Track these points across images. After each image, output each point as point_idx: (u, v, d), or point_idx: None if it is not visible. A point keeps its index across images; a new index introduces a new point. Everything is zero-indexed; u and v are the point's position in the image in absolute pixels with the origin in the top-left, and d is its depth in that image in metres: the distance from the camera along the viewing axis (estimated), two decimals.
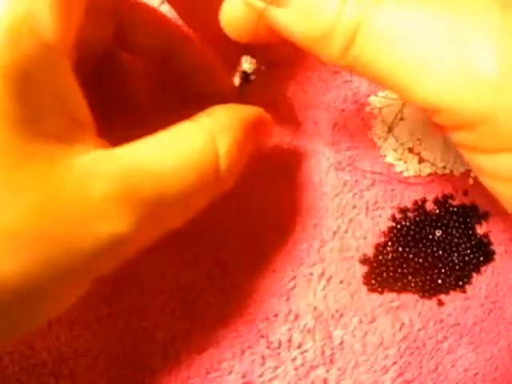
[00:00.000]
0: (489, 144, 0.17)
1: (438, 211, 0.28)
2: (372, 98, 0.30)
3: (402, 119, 0.29)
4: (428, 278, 0.27)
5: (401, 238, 0.27)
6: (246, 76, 0.22)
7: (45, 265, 0.14)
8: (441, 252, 0.27)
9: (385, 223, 0.27)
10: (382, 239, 0.27)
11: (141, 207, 0.16)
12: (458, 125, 0.17)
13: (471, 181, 0.29)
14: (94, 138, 0.17)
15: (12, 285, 0.14)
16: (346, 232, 0.27)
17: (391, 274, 0.26)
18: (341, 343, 0.26)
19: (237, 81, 0.22)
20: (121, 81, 0.24)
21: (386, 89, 0.26)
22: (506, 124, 0.16)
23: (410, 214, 0.28)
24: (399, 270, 0.27)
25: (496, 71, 0.16)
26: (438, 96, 0.16)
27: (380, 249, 0.27)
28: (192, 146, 0.18)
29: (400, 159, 0.29)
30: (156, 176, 0.16)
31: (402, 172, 0.28)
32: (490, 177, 0.18)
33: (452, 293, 0.27)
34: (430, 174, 0.29)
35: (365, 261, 0.27)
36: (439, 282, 0.27)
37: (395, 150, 0.29)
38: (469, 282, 0.27)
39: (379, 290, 0.26)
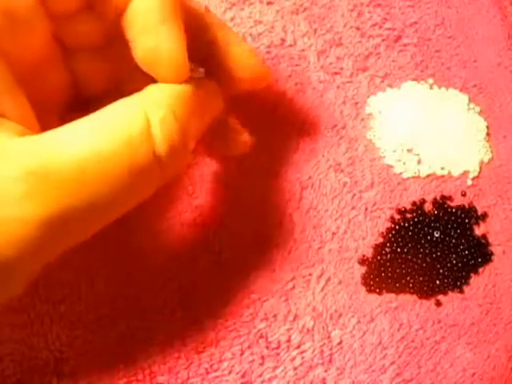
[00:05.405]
0: None
1: (436, 212, 0.28)
2: (371, 99, 0.30)
3: (401, 120, 0.29)
4: (426, 278, 0.27)
5: (399, 239, 0.27)
6: None
7: None
8: (439, 253, 0.27)
9: (383, 224, 0.28)
10: (381, 240, 0.27)
11: (61, 190, 0.15)
12: None
13: (469, 182, 0.29)
14: (20, 128, 0.16)
15: None
16: (345, 233, 0.27)
17: (390, 274, 0.27)
18: (339, 343, 0.26)
19: None
20: None
21: None
22: None
23: (408, 215, 0.28)
24: (398, 271, 0.27)
25: None
26: None
27: (379, 250, 0.27)
28: (118, 119, 0.16)
29: (399, 160, 0.29)
30: (77, 156, 0.15)
31: (400, 173, 0.29)
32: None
33: (450, 293, 0.27)
34: (428, 175, 0.29)
35: (363, 261, 0.27)
36: (437, 282, 0.27)
37: (394, 151, 0.29)
38: (467, 283, 0.27)
39: (378, 290, 0.26)
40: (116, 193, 0.16)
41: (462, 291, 0.27)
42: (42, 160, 0.15)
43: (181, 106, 0.17)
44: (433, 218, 0.28)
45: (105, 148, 0.15)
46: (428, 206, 0.28)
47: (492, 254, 0.28)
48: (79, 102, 0.22)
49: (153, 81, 0.19)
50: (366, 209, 0.28)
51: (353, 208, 0.28)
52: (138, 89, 0.20)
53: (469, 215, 0.28)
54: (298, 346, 0.25)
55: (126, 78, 0.20)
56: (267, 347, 0.25)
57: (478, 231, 0.28)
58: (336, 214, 0.27)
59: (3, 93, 0.16)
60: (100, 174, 0.15)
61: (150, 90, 0.18)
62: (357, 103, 0.30)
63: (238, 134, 0.24)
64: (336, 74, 0.30)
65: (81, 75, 0.22)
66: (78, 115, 0.17)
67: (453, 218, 0.28)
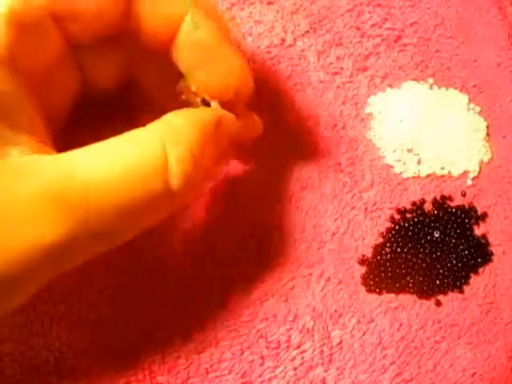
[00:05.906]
0: None
1: (436, 212, 0.28)
2: (371, 99, 0.30)
3: (401, 120, 0.29)
4: (426, 278, 0.27)
5: (399, 239, 0.27)
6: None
7: None
8: (439, 253, 0.27)
9: (383, 224, 0.28)
10: (381, 240, 0.27)
11: (71, 215, 0.15)
12: None
13: (469, 182, 0.29)
14: (32, 142, 0.16)
15: None
16: (345, 233, 0.27)
17: (389, 274, 0.27)
18: (339, 343, 0.26)
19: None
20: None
21: None
22: None
23: (408, 215, 0.28)
24: (397, 271, 0.27)
25: None
26: None
27: (378, 250, 0.27)
28: (136, 151, 0.16)
29: (399, 160, 0.29)
30: (91, 183, 0.15)
31: (401, 173, 0.29)
32: None
33: (450, 293, 0.27)
34: (428, 175, 0.29)
35: (363, 261, 0.27)
36: (437, 282, 0.27)
37: (394, 151, 0.29)
38: (466, 283, 0.27)
39: (377, 290, 0.26)
40: (124, 221, 0.16)
41: (462, 291, 0.27)
42: (54, 184, 0.15)
43: (199, 142, 0.17)
44: (433, 218, 0.28)
45: (119, 178, 0.15)
46: (428, 206, 0.28)
47: (492, 254, 0.28)
48: (88, 102, 0.22)
49: (164, 74, 0.19)
50: (366, 209, 0.28)
51: (353, 208, 0.28)
52: (151, 84, 0.20)
53: (469, 215, 0.28)
54: (298, 346, 0.25)
55: (139, 70, 0.19)
56: (267, 347, 0.25)
57: (478, 231, 0.28)
58: (336, 214, 0.27)
59: (17, 107, 0.16)
60: (111, 202, 0.15)
61: (170, 119, 0.18)
62: (357, 103, 0.30)
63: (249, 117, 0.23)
64: (336, 74, 0.30)
65: (91, 71, 0.21)
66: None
67: (453, 218, 0.28)
